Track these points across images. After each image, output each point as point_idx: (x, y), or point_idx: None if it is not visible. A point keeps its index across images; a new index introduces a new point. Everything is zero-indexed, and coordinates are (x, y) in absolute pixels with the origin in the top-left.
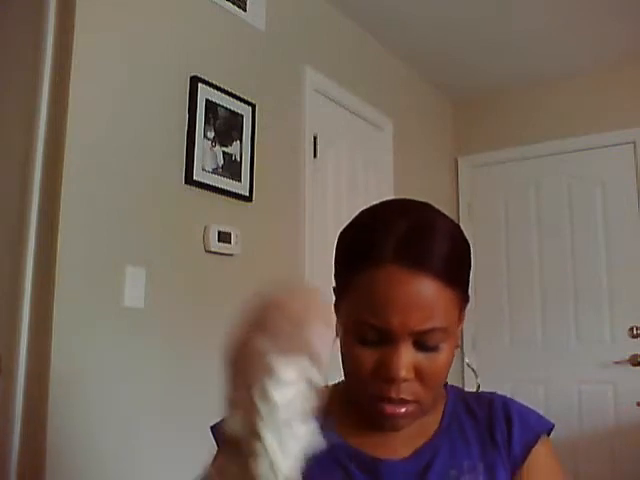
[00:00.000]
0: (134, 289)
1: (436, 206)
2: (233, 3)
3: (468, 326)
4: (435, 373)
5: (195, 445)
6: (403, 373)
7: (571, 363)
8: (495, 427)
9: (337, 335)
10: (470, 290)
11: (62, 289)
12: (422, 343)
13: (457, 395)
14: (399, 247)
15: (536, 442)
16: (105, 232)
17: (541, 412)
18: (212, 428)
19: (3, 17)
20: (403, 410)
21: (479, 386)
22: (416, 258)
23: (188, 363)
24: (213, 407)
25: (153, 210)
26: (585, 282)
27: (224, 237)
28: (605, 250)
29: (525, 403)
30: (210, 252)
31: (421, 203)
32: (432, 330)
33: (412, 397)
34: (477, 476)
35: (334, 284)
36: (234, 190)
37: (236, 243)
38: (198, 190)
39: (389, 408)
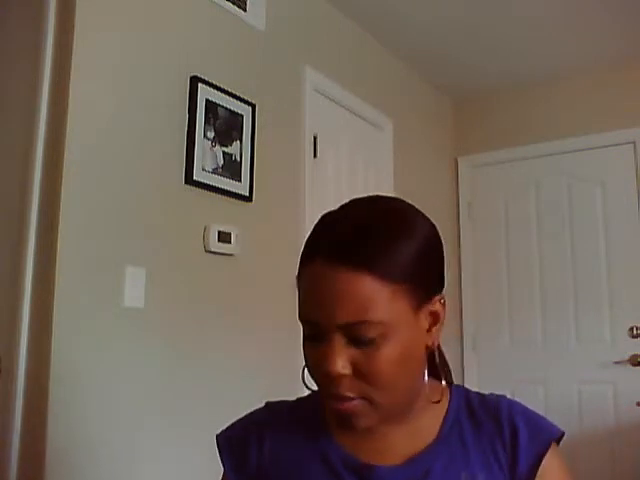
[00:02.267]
0: (134, 289)
1: (436, 206)
2: (233, 3)
3: (468, 326)
4: (376, 370)
5: (195, 444)
6: (335, 368)
7: (571, 363)
8: (499, 437)
9: None
10: (470, 290)
11: (62, 289)
12: (356, 338)
13: (461, 398)
14: (333, 243)
15: (544, 454)
16: (105, 232)
17: (541, 412)
18: (217, 437)
19: (3, 17)
20: (350, 405)
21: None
22: (345, 252)
23: (188, 363)
24: (213, 407)
25: (153, 210)
26: (585, 282)
27: (224, 237)
28: (605, 250)
29: (525, 403)
30: (210, 252)
31: (388, 200)
32: (363, 323)
33: (356, 393)
34: None
35: None
36: (234, 190)
37: (236, 243)
38: (198, 190)
39: (337, 404)
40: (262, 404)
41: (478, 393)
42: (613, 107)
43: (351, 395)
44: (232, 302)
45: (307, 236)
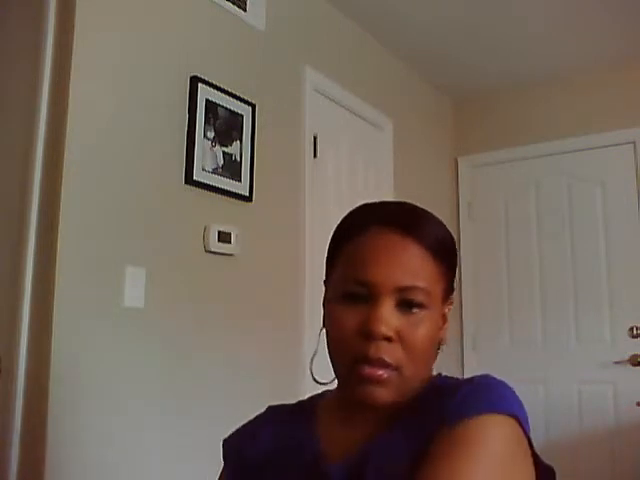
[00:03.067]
0: (134, 289)
1: (436, 206)
2: (233, 3)
3: (468, 326)
4: (416, 339)
5: (195, 444)
6: (383, 329)
7: (571, 363)
8: (437, 407)
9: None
10: (470, 290)
11: (62, 289)
12: (404, 302)
13: (436, 386)
14: (391, 215)
15: (466, 417)
16: (105, 232)
17: (541, 412)
18: (224, 442)
19: (3, 17)
20: (381, 373)
21: None
22: (406, 224)
23: (188, 363)
24: (213, 407)
25: (153, 210)
26: (585, 282)
27: (224, 237)
28: (605, 250)
29: (525, 403)
30: (210, 252)
31: (415, 205)
32: (415, 288)
33: (392, 360)
34: (400, 462)
35: (325, 276)
36: (234, 190)
37: (236, 243)
38: (198, 190)
39: (368, 369)
40: (263, 405)
41: (458, 378)
42: (613, 107)
43: (388, 360)
44: (232, 302)
45: (341, 224)
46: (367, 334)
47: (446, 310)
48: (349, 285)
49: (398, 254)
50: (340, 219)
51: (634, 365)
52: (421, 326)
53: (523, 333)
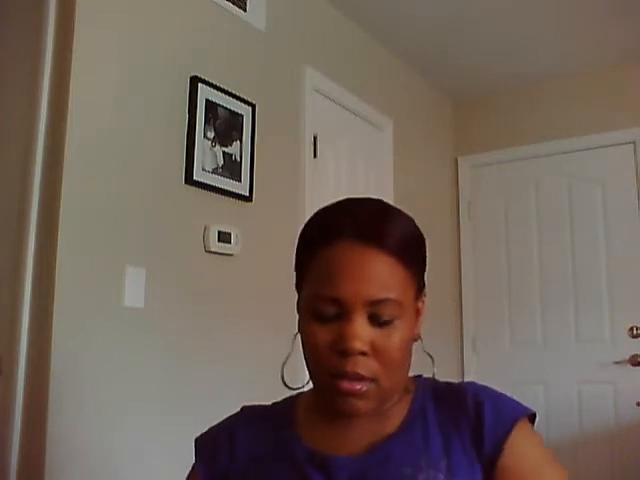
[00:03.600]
0: (134, 289)
1: (436, 206)
2: (233, 3)
3: (468, 326)
4: (390, 350)
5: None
6: (358, 344)
7: (571, 363)
8: (464, 417)
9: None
10: (470, 290)
11: (62, 289)
12: (377, 316)
13: (427, 388)
14: (356, 225)
15: (509, 433)
16: (105, 232)
17: (541, 412)
18: (196, 441)
19: (3, 17)
20: (359, 387)
21: (434, 374)
22: (371, 234)
23: (188, 363)
24: (213, 407)
25: (153, 210)
26: (585, 282)
27: (224, 237)
28: (605, 250)
29: (525, 403)
30: (210, 252)
31: (376, 198)
32: (386, 301)
33: (369, 374)
34: (437, 473)
35: (295, 280)
36: (234, 190)
37: (236, 243)
38: (198, 190)
39: (345, 384)
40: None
41: (446, 382)
42: (613, 107)
43: (365, 374)
44: (232, 302)
45: (308, 227)
46: (342, 351)
47: (420, 305)
48: (320, 304)
49: (365, 267)
50: (308, 220)
51: (634, 365)
52: (394, 335)
53: (523, 333)
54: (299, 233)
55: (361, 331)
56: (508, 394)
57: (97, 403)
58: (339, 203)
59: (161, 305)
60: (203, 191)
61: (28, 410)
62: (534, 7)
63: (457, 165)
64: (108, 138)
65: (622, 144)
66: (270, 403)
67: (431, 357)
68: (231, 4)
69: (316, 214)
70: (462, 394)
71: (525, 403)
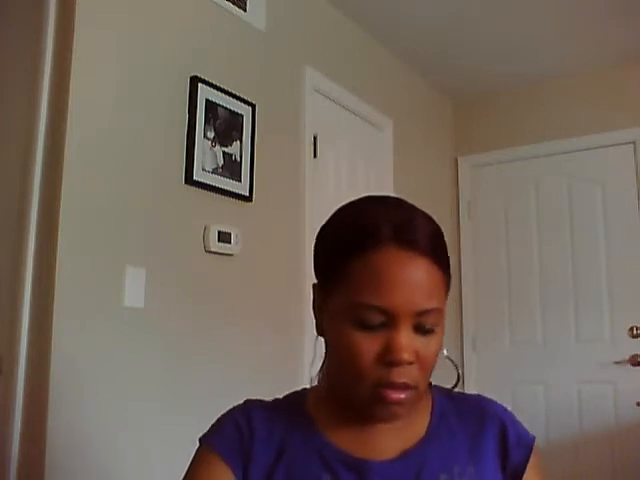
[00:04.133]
0: (134, 289)
1: (436, 206)
2: (233, 3)
3: (468, 326)
4: (430, 357)
5: (195, 444)
6: (406, 356)
7: (571, 363)
8: (488, 434)
9: (322, 331)
10: (470, 290)
11: (62, 289)
12: (421, 325)
13: (443, 395)
14: (397, 230)
15: (530, 454)
16: (105, 232)
17: (541, 412)
18: (200, 440)
19: (3, 17)
20: (403, 396)
21: (459, 377)
22: (411, 239)
23: (188, 363)
24: (213, 407)
25: (153, 210)
26: (585, 282)
27: (224, 237)
28: (605, 250)
29: (525, 403)
30: (210, 252)
31: (395, 197)
32: (432, 310)
33: (413, 382)
34: None
35: (316, 280)
36: (234, 190)
37: (236, 243)
38: (198, 190)
39: (392, 394)
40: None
41: (458, 392)
42: (613, 107)
43: (410, 383)
44: (232, 302)
45: (338, 227)
46: (390, 362)
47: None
48: (365, 312)
49: (412, 275)
50: (335, 220)
51: (634, 365)
52: (434, 343)
53: (523, 333)
54: (323, 233)
55: (408, 341)
56: (509, 395)
57: (97, 403)
58: (369, 203)
59: (161, 305)
60: (203, 191)
61: (28, 410)
62: (534, 7)
63: (457, 165)
64: (108, 138)
65: (622, 144)
66: (271, 400)
67: (454, 364)
68: (231, 4)
69: (346, 214)
70: (482, 406)
71: (525, 403)
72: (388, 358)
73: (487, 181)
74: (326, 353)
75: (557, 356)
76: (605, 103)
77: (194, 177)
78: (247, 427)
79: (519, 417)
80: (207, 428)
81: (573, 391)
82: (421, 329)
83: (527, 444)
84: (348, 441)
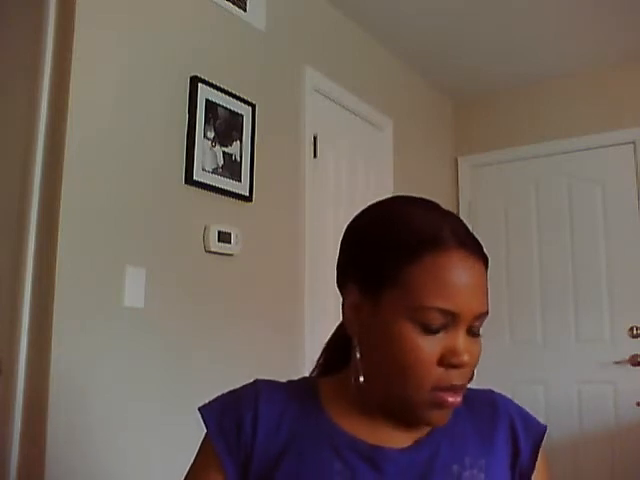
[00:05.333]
0: (134, 289)
1: None
2: (233, 3)
3: None
4: (477, 360)
5: (195, 444)
6: (467, 358)
7: (571, 363)
8: (498, 429)
9: (357, 331)
10: None
11: (62, 289)
12: (473, 328)
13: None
14: (455, 233)
15: (540, 446)
16: (105, 232)
17: (541, 412)
18: (201, 409)
19: (3, 17)
20: (460, 399)
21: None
22: (471, 244)
23: (188, 363)
24: None
25: (153, 210)
26: (585, 282)
27: (224, 237)
28: (605, 250)
29: (525, 403)
30: (210, 252)
31: (429, 199)
32: (484, 314)
33: (466, 383)
34: (479, 473)
35: (362, 280)
36: (234, 190)
37: (236, 243)
38: (198, 190)
39: (450, 398)
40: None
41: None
42: (613, 107)
43: (465, 385)
44: (232, 302)
45: (388, 228)
46: (452, 365)
47: None
48: (430, 315)
49: (476, 280)
50: (385, 219)
51: (634, 365)
52: (479, 345)
53: (523, 333)
54: (364, 235)
55: (468, 345)
56: (509, 395)
57: (97, 403)
58: (415, 204)
59: (161, 305)
60: (203, 191)
61: (28, 410)
62: (534, 7)
63: (457, 165)
64: (108, 138)
65: (622, 144)
66: (286, 381)
67: None
68: (231, 4)
69: (395, 217)
70: (494, 405)
71: (525, 403)
72: (451, 361)
73: (487, 181)
74: (360, 352)
75: (557, 356)
76: (605, 103)
77: (194, 177)
78: (252, 419)
79: None
80: (207, 406)
81: (573, 391)
82: (472, 332)
83: (537, 434)
84: (360, 429)
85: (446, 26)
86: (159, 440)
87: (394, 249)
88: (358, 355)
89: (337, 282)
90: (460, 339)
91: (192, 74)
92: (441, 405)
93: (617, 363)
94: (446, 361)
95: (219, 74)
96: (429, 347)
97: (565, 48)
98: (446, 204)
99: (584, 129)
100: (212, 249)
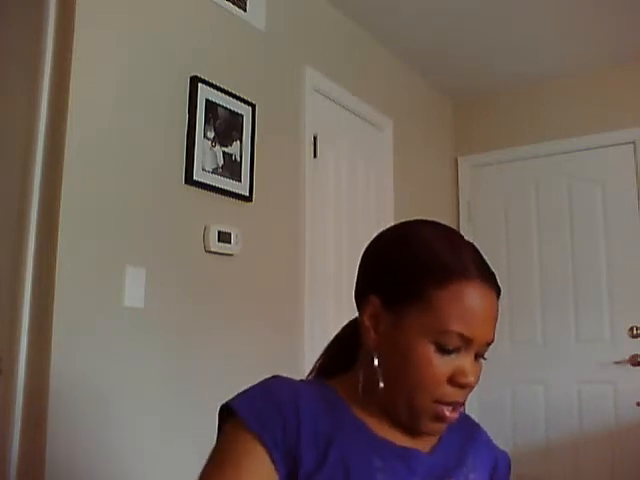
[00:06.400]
0: (134, 289)
1: (436, 206)
2: (233, 3)
3: None
4: (478, 381)
5: (195, 445)
6: (473, 380)
7: (571, 363)
8: (481, 445)
9: (375, 340)
10: None
11: (62, 289)
12: (479, 353)
13: None
14: (478, 264)
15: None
16: (105, 232)
17: (541, 412)
18: (233, 405)
19: (3, 17)
20: (457, 415)
21: None
22: (490, 276)
23: (188, 363)
24: (212, 406)
25: (153, 210)
26: (585, 282)
27: (224, 237)
28: (605, 250)
29: (525, 403)
30: (210, 252)
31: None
32: (492, 342)
33: (465, 401)
34: None
35: (386, 294)
36: (234, 190)
37: (236, 243)
38: (198, 190)
39: (449, 413)
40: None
41: None
42: (613, 107)
43: (464, 402)
44: (232, 302)
45: (418, 251)
46: (460, 385)
47: None
48: (450, 337)
49: (492, 311)
50: (414, 240)
51: (634, 365)
52: (480, 368)
53: (523, 333)
54: (392, 253)
55: (474, 368)
56: (509, 395)
57: (97, 403)
58: (441, 231)
59: (161, 305)
60: (203, 191)
61: (28, 410)
62: (534, 7)
63: (457, 165)
64: (108, 138)
65: (622, 144)
66: (301, 380)
67: None
68: (231, 4)
69: (424, 240)
70: (474, 425)
71: (525, 403)
72: (460, 381)
73: (487, 181)
74: (377, 358)
75: (557, 356)
76: (605, 103)
77: (194, 177)
78: (294, 416)
79: (519, 417)
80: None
81: (573, 391)
82: (477, 356)
83: (507, 470)
84: (387, 432)
85: (446, 26)
86: (159, 440)
87: (424, 272)
88: (376, 362)
89: (357, 290)
90: (469, 362)
91: (192, 74)
92: (441, 418)
93: (617, 363)
94: (455, 380)
95: (219, 74)
96: (442, 366)
97: (565, 48)
98: (446, 204)
99: (584, 129)
100: (212, 249)
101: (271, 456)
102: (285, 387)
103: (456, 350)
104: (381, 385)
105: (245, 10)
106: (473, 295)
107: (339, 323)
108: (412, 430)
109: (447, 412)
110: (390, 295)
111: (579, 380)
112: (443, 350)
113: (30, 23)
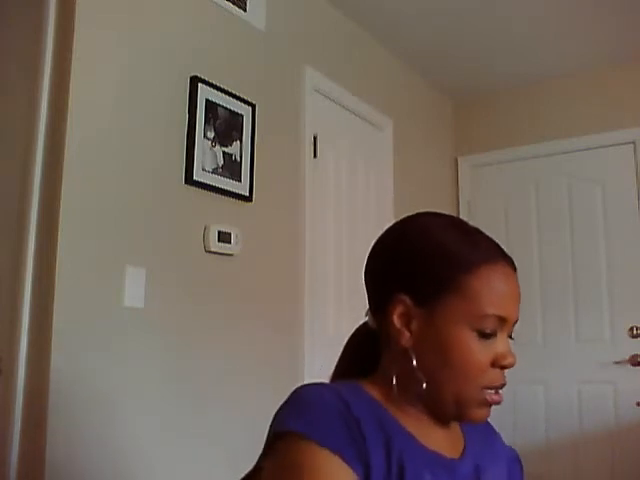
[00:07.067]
0: (134, 289)
1: (436, 206)
2: (233, 3)
3: None
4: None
5: (195, 444)
6: (514, 359)
7: (571, 363)
8: (496, 442)
9: (409, 337)
10: None
11: (62, 289)
12: (509, 333)
13: None
14: (495, 247)
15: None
16: (105, 232)
17: (541, 412)
18: (294, 429)
19: (3, 17)
20: (502, 397)
21: None
22: (509, 257)
23: (188, 363)
24: (213, 407)
25: (153, 210)
26: (585, 282)
27: (224, 237)
28: (605, 250)
29: (525, 403)
30: (210, 252)
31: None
32: (518, 321)
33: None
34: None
35: (415, 289)
36: (234, 190)
37: (236, 243)
38: (198, 190)
39: (497, 396)
40: (264, 404)
41: None
42: (613, 107)
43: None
44: (232, 302)
45: (443, 242)
46: (504, 366)
47: None
48: (488, 322)
49: (517, 289)
50: (436, 234)
51: (634, 365)
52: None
53: (523, 333)
54: (419, 248)
55: (510, 347)
56: (509, 395)
57: (97, 403)
58: (457, 221)
59: (161, 305)
60: (203, 191)
61: (28, 410)
62: (534, 7)
63: (457, 165)
64: (108, 138)
65: (622, 144)
66: (338, 385)
67: None
68: (231, 4)
69: (447, 231)
70: (491, 430)
71: (525, 403)
72: (503, 363)
73: (487, 181)
74: (410, 356)
75: (557, 356)
76: (605, 103)
77: (194, 177)
78: (354, 421)
79: (519, 417)
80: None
81: (573, 391)
82: (508, 336)
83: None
84: (428, 440)
85: (446, 26)
86: (159, 439)
87: (451, 259)
88: (415, 362)
89: (376, 293)
90: (506, 343)
91: (192, 74)
92: (489, 403)
93: (617, 363)
94: (498, 363)
95: (219, 74)
96: (484, 352)
97: (565, 48)
98: (446, 204)
99: (584, 129)
100: (212, 249)
101: (353, 469)
102: (333, 397)
103: (493, 333)
104: (424, 386)
105: (245, 10)
106: (500, 277)
107: (339, 323)
108: (460, 419)
109: (495, 397)
110: (421, 290)
111: (579, 380)
112: (482, 335)
113: (30, 23)
